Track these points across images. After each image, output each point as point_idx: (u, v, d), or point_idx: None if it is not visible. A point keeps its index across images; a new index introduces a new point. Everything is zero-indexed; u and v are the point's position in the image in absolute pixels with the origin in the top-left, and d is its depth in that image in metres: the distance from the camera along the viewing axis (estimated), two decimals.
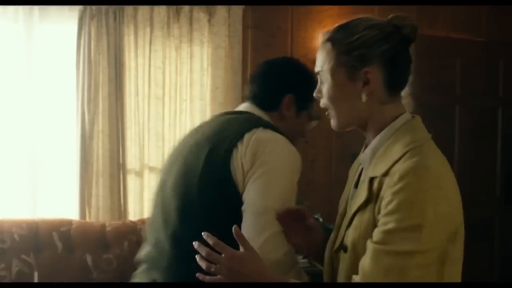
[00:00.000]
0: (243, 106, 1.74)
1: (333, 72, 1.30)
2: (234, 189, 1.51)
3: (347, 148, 3.85)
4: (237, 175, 1.51)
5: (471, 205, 4.07)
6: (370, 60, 1.26)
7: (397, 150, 1.23)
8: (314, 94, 1.37)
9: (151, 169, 3.54)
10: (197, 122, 3.57)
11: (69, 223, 3.22)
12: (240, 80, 3.68)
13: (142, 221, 3.34)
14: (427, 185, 1.17)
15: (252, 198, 1.49)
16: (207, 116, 3.62)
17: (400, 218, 1.15)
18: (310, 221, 1.48)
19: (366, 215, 1.24)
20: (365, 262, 1.18)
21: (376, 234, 1.18)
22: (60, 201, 3.51)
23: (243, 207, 1.50)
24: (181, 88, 3.59)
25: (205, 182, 1.52)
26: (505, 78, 4.21)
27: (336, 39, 1.30)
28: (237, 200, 1.50)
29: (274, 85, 1.71)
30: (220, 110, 3.61)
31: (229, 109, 3.73)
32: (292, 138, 1.64)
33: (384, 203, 1.18)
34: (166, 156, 3.51)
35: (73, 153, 3.46)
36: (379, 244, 1.17)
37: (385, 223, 1.17)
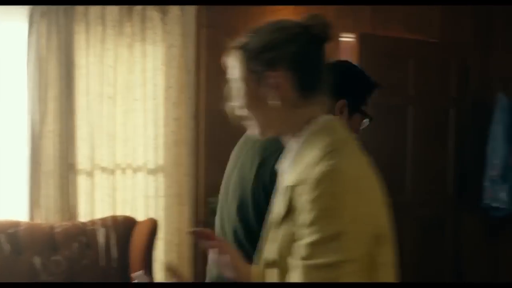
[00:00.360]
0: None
1: (244, 79, 1.28)
2: None
3: None
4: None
5: (424, 204, 4.23)
6: (277, 63, 1.25)
7: (313, 155, 1.20)
8: (229, 103, 1.34)
9: (103, 169, 3.54)
10: (150, 122, 3.59)
11: (16, 224, 3.20)
12: (193, 80, 3.70)
13: (93, 222, 3.34)
14: (341, 189, 1.14)
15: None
16: (160, 116, 3.63)
17: (320, 228, 1.13)
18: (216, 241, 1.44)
19: (286, 227, 1.20)
20: (296, 279, 1.15)
21: (301, 248, 1.15)
22: (8, 202, 3.47)
23: None
24: (133, 87, 3.59)
25: (256, 191, 1.69)
26: (457, 79, 4.32)
27: (245, 45, 1.29)
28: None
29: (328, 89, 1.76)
30: (173, 109, 3.63)
31: (183, 108, 3.74)
32: None
33: (302, 213, 1.16)
34: (117, 156, 3.54)
35: (22, 153, 3.43)
36: (306, 259, 1.14)
37: (307, 235, 1.14)
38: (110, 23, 3.54)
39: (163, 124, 3.62)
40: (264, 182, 1.67)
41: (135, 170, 3.60)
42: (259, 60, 1.26)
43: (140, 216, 3.51)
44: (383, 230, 1.22)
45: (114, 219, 3.39)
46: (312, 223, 1.13)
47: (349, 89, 1.83)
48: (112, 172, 3.54)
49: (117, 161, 3.56)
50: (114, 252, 3.30)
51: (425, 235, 4.23)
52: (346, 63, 2.04)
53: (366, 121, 1.92)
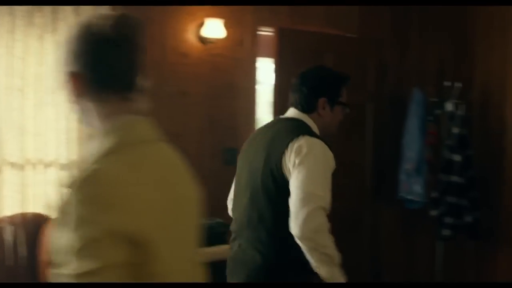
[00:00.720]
0: (291, 112, 2.36)
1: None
2: (284, 183, 2.15)
3: (218, 143, 3.94)
4: (286, 173, 2.15)
5: (342, 198, 4.33)
6: (73, 63, 1.28)
7: (91, 155, 1.23)
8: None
9: (12, 165, 3.43)
10: (62, 116, 3.51)
11: None
12: None
13: (0, 220, 3.24)
14: (97, 194, 1.14)
15: (295, 186, 2.10)
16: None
17: (76, 235, 1.11)
18: None
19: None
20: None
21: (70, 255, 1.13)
22: None
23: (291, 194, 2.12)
24: (44, 79, 3.50)
25: (265, 180, 2.20)
26: (374, 74, 4.46)
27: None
28: (286, 190, 2.13)
29: (310, 95, 2.31)
30: None
31: None
32: (333, 129, 2.39)
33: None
34: (28, 151, 3.45)
35: None
36: (71, 268, 1.12)
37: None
38: (20, 13, 3.43)
39: (76, 118, 3.54)
40: (270, 170, 2.20)
41: (47, 165, 3.51)
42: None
43: (52, 213, 3.42)
44: (149, 238, 1.17)
45: (23, 216, 3.30)
46: (72, 229, 1.12)
47: (326, 89, 2.32)
48: (21, 167, 3.44)
49: (27, 156, 3.46)
50: (23, 250, 3.21)
51: (342, 228, 4.33)
52: (320, 68, 2.45)
53: (347, 110, 2.39)
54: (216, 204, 3.81)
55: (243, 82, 4.01)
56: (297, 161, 2.12)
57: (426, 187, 4.09)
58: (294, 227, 2.08)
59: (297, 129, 2.25)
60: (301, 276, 2.20)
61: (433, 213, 4.06)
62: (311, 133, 2.23)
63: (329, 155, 2.21)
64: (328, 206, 2.14)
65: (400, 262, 4.61)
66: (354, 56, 4.36)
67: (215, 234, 3.52)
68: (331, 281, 2.16)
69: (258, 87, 4.12)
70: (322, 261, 2.13)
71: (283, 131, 2.27)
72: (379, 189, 4.48)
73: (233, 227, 2.39)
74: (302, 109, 2.34)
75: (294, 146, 2.15)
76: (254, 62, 4.05)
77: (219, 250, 3.41)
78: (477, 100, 4.30)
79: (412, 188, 4.10)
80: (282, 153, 2.17)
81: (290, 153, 2.15)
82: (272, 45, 4.01)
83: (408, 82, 4.45)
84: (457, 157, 3.97)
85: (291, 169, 2.14)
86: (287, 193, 2.14)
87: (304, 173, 2.10)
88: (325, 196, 2.12)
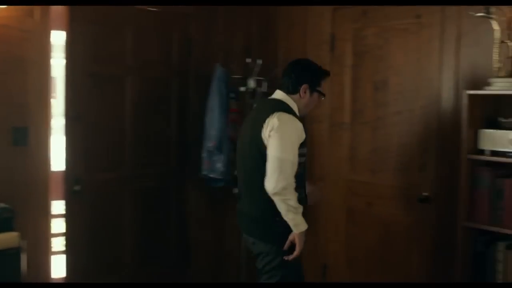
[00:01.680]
0: (277, 93, 3.15)
1: None
2: (265, 151, 2.94)
3: (6, 121, 3.72)
4: (264, 141, 2.94)
5: (148, 178, 4.33)
6: None
7: None
8: None
9: None
10: None
11: None
12: None
13: None
14: None
15: (269, 153, 2.91)
16: None
17: None
18: None
19: None
20: None
21: None
22: None
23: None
24: None
25: (251, 147, 3.03)
26: (179, 50, 4.46)
27: None
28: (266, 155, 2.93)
29: (296, 79, 3.10)
30: None
31: None
32: (308, 110, 3.21)
33: None
34: None
35: None
36: None
37: None
38: None
39: None
40: (254, 139, 3.01)
41: None
42: None
43: None
44: None
45: None
46: None
47: (308, 77, 3.11)
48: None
49: None
50: None
51: (149, 207, 4.34)
52: (303, 60, 3.23)
53: (322, 97, 3.20)
54: (3, 188, 3.63)
55: (35, 56, 3.81)
56: (271, 133, 2.90)
57: (229, 165, 4.20)
58: (269, 185, 2.89)
59: (275, 107, 3.02)
60: (282, 222, 2.97)
61: (235, 190, 4.18)
62: (287, 110, 3.00)
63: (298, 127, 2.96)
64: (295, 168, 2.92)
65: (208, 240, 4.71)
66: (157, 31, 4.32)
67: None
68: (295, 225, 2.95)
69: (52, 62, 3.93)
70: (289, 211, 2.92)
71: (264, 110, 3.03)
72: (185, 168, 4.52)
73: (238, 187, 3.26)
74: (287, 91, 3.11)
75: (269, 121, 2.92)
76: (46, 35, 3.85)
77: (4, 237, 3.26)
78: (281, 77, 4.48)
79: (215, 166, 4.19)
80: (261, 127, 2.94)
81: (267, 127, 2.93)
82: (63, 19, 3.85)
83: (215, 59, 4.51)
84: None
85: (268, 139, 2.92)
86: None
87: (276, 142, 2.89)
88: (293, 160, 2.90)
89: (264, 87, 4.22)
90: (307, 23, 4.32)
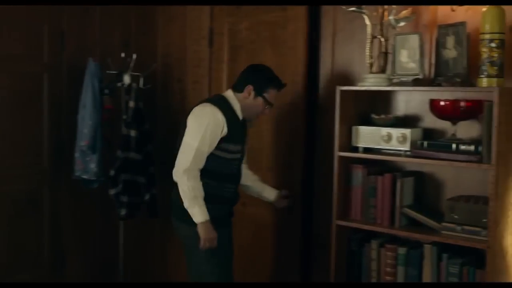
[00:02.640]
0: (227, 90, 3.22)
1: None
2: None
3: None
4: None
5: (17, 179, 4.02)
6: None
7: None
8: None
9: None
10: None
11: None
12: None
13: None
14: None
15: (184, 137, 3.05)
16: None
17: None
18: None
19: None
20: None
21: None
22: None
23: None
24: None
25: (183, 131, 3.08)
26: (50, 42, 4.18)
27: None
28: None
29: (243, 78, 3.16)
30: None
31: None
32: (254, 114, 3.22)
33: None
34: None
35: None
36: None
37: None
38: None
39: None
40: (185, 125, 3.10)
41: None
42: None
43: None
44: None
45: None
46: None
47: (255, 79, 3.12)
48: None
49: None
50: None
51: (18, 212, 4.05)
52: (259, 65, 3.24)
53: (268, 106, 3.16)
54: None
55: None
56: (187, 119, 3.06)
57: (103, 165, 3.98)
58: (174, 169, 3.03)
59: (205, 101, 3.18)
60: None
61: (111, 192, 3.97)
62: (216, 103, 3.07)
63: (217, 118, 3.02)
64: (203, 156, 3.01)
65: (81, 246, 4.46)
66: (27, 24, 4.03)
67: None
68: (191, 214, 2.99)
69: None
70: (184, 197, 3.00)
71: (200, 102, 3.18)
72: (57, 168, 4.25)
73: None
74: (234, 88, 3.17)
75: (192, 111, 3.08)
76: None
77: None
78: (160, 73, 4.31)
79: (88, 166, 3.95)
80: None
81: (189, 116, 3.07)
82: None
83: (90, 53, 4.26)
84: (133, 133, 3.92)
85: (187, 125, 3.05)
86: None
87: (188, 128, 3.04)
88: (200, 148, 2.98)
89: (140, 83, 4.02)
90: (186, 17, 4.16)
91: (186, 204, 2.98)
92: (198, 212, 2.98)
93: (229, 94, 3.15)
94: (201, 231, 2.99)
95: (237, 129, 3.11)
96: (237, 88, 3.14)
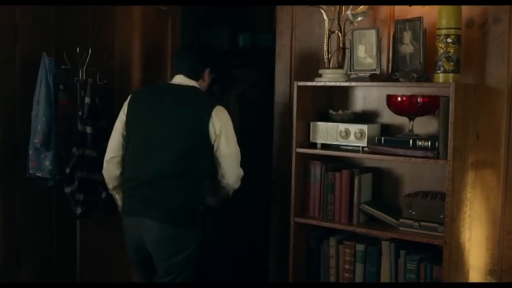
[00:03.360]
0: (180, 78, 3.06)
1: None
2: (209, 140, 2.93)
3: None
4: (211, 132, 2.90)
5: None
6: None
7: None
8: None
9: None
10: None
11: None
12: None
13: None
14: None
15: (225, 148, 2.99)
16: None
17: None
18: None
19: None
20: None
21: None
22: None
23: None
24: None
25: (192, 134, 2.90)
26: (2, 37, 4.05)
27: None
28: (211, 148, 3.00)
29: (198, 64, 3.07)
30: None
31: None
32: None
33: None
34: None
35: None
36: None
37: None
38: None
39: None
40: (199, 125, 2.96)
41: None
42: None
43: None
44: None
45: None
46: None
47: (209, 61, 3.13)
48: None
49: None
50: None
51: None
52: (199, 46, 3.61)
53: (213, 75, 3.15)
54: None
55: None
56: (222, 129, 2.93)
57: (58, 163, 3.87)
58: (235, 178, 3.11)
59: (207, 99, 3.05)
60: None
61: (67, 190, 3.87)
62: (220, 103, 3.02)
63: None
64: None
65: (36, 245, 4.35)
66: None
67: None
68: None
69: None
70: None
71: (198, 97, 3.02)
72: (11, 166, 4.12)
73: (139, 174, 3.09)
74: (189, 76, 3.05)
75: (215, 115, 2.91)
76: None
77: None
78: (117, 68, 4.21)
79: (43, 164, 3.84)
80: (206, 118, 2.88)
81: (214, 121, 2.89)
82: None
83: (45, 47, 4.13)
84: (89, 129, 3.83)
85: (216, 132, 2.91)
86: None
87: (228, 138, 2.96)
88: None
89: (97, 79, 3.92)
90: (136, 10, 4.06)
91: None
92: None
93: (192, 83, 3.05)
94: None
95: None
96: (195, 75, 3.07)
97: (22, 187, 4.16)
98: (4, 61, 4.06)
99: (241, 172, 3.03)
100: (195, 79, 3.04)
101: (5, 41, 4.05)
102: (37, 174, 3.87)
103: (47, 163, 3.83)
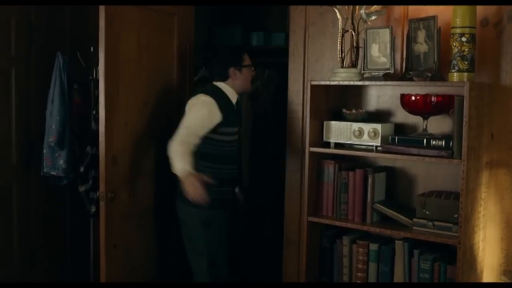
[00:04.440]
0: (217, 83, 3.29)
1: None
2: None
3: None
4: None
5: None
6: None
7: None
8: None
9: None
10: None
11: None
12: None
13: None
14: None
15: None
16: None
17: None
18: None
19: None
20: None
21: None
22: None
23: None
24: None
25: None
26: (17, 36, 4.09)
27: None
28: None
29: (220, 67, 3.29)
30: None
31: None
32: (247, 85, 3.34)
33: None
34: None
35: None
36: None
37: None
38: None
39: None
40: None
41: None
42: None
43: None
44: None
45: None
46: None
47: (229, 61, 3.25)
48: None
49: None
50: None
51: None
52: (217, 47, 3.50)
53: (252, 69, 3.31)
54: None
55: None
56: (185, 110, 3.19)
57: (72, 161, 3.90)
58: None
59: (201, 90, 3.28)
60: None
61: (81, 188, 3.90)
62: (209, 93, 3.20)
63: (206, 106, 3.13)
64: (195, 134, 3.09)
65: (51, 243, 4.38)
66: None
67: None
68: (174, 169, 3.03)
69: None
70: (171, 159, 3.04)
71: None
72: (27, 164, 4.16)
73: None
74: (217, 80, 3.29)
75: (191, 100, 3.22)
76: None
77: None
78: None
79: (57, 163, 3.87)
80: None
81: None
82: None
83: (59, 47, 4.16)
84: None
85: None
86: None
87: (184, 116, 3.16)
88: (190, 126, 3.11)
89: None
90: None
91: (172, 164, 3.01)
92: (179, 167, 2.99)
93: (220, 85, 3.25)
94: (183, 182, 3.00)
95: (231, 113, 3.19)
96: (221, 77, 3.24)
97: (36, 186, 4.19)
98: (19, 60, 4.09)
99: (170, 147, 3.06)
100: (222, 80, 3.25)
101: (20, 40, 4.08)
102: (52, 173, 3.91)
103: (61, 161, 3.87)
